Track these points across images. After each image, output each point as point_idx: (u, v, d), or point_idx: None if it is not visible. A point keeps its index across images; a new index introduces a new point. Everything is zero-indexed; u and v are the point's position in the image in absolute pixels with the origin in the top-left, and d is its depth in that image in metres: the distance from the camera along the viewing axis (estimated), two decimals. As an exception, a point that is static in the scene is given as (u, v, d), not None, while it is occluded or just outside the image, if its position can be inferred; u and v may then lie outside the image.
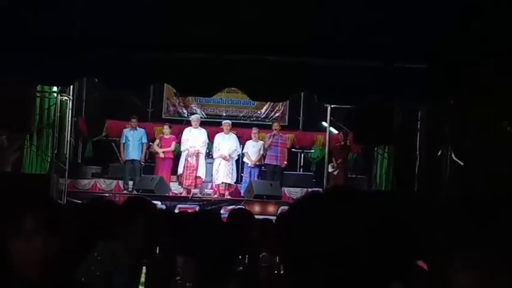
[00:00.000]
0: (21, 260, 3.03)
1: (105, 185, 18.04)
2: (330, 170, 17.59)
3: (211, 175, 18.07)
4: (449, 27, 9.67)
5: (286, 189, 17.98)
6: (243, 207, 15.09)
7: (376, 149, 17.19)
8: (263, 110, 21.15)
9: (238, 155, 18.33)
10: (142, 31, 10.32)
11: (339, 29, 10.09)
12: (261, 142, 18.21)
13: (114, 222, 4.76)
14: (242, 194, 17.96)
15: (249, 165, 18.21)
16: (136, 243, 4.56)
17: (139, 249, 4.61)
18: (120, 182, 17.93)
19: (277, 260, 5.67)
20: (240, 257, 5.57)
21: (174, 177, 18.31)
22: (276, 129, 18.26)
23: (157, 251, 5.27)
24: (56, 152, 15.91)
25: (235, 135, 18.30)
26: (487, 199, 2.01)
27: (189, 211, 11.94)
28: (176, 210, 14.56)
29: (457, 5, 9.27)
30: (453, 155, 11.79)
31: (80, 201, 13.61)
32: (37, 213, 3.07)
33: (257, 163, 18.21)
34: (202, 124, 18.53)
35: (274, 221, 7.60)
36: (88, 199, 10.15)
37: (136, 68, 11.14)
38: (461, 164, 11.40)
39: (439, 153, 12.66)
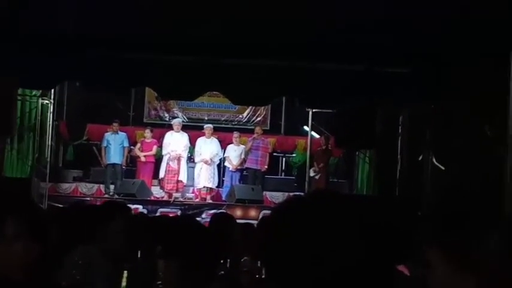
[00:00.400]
0: (2, 263, 3.01)
1: (86, 189, 17.96)
2: (312, 174, 17.60)
3: (193, 179, 18.03)
4: (431, 31, 9.71)
5: (268, 194, 17.97)
6: (225, 211, 15.09)
7: (357, 153, 17.23)
8: (245, 114, 21.12)
9: (220, 159, 18.30)
10: (123, 34, 10.30)
11: (320, 33, 10.11)
12: (243, 146, 18.21)
13: (93, 226, 4.75)
14: (224, 199, 17.95)
15: (230, 169, 18.20)
16: (115, 246, 4.56)
17: (119, 252, 4.60)
18: (102, 186, 17.85)
19: (259, 265, 5.68)
20: (222, 261, 5.57)
21: (155, 181, 18.25)
22: (257, 133, 18.25)
23: (139, 256, 5.26)
24: (37, 155, 15.85)
25: (216, 140, 18.28)
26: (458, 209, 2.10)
27: (171, 215, 11.93)
28: (157, 214, 14.57)
29: (439, 9, 9.30)
30: (434, 160, 11.84)
31: (61, 205, 13.61)
32: (18, 216, 3.04)
33: (238, 167, 18.19)
34: (184, 128, 18.49)
35: (256, 225, 7.60)
36: (69, 203, 10.14)
37: (117, 70, 11.12)
38: (443, 168, 11.44)
39: (420, 158, 12.70)
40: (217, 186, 18.26)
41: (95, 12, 9.82)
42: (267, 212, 16.49)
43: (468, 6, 8.90)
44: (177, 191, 17.85)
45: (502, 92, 9.23)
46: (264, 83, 11.49)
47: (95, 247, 4.61)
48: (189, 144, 18.08)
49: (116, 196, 17.08)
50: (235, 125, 20.72)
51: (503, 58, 9.28)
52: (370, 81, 11.23)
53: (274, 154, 19.70)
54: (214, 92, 16.74)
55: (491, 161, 9.50)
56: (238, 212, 16.41)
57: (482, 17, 9.09)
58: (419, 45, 10.20)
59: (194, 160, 18.16)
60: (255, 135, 18.18)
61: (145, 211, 16.13)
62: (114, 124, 17.95)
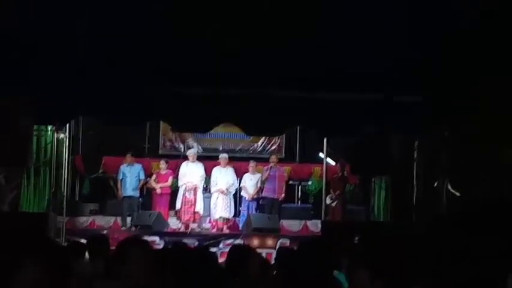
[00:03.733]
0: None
1: (103, 222, 17.96)
2: (328, 201, 17.56)
3: (210, 209, 18.03)
4: (442, 59, 9.72)
5: (284, 222, 17.94)
6: (243, 243, 15.07)
7: (373, 179, 17.18)
8: (259, 143, 21.12)
9: (236, 189, 18.29)
10: (136, 67, 10.36)
11: (334, 64, 10.14)
12: (259, 175, 18.21)
13: (111, 262, 4.76)
14: (240, 228, 17.91)
15: (246, 198, 18.18)
16: (133, 281, 4.55)
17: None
18: (119, 219, 17.86)
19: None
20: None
21: (172, 213, 18.25)
22: (273, 162, 18.25)
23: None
24: (53, 190, 15.88)
25: (232, 169, 18.29)
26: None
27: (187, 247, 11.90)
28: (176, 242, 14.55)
29: (449, 39, 9.34)
30: (449, 186, 11.80)
31: (80, 240, 13.64)
32: (37, 259, 3.05)
33: (255, 196, 18.18)
34: (199, 158, 18.51)
35: (274, 255, 7.59)
36: (87, 236, 10.16)
37: (131, 105, 11.17)
38: (458, 194, 11.41)
39: (435, 185, 12.66)
40: (233, 216, 18.23)
41: (106, 46, 9.89)
42: (284, 240, 16.48)
43: (476, 31, 8.92)
44: (194, 221, 17.86)
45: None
46: (277, 114, 11.51)
47: (113, 283, 4.61)
48: (204, 175, 18.10)
49: (133, 228, 17.10)
50: (250, 154, 20.69)
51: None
52: (384, 110, 11.24)
53: (290, 182, 19.65)
54: (228, 122, 16.78)
55: (508, 185, 9.47)
56: (255, 241, 16.40)
57: (493, 40, 9.10)
58: (431, 72, 10.21)
59: (210, 190, 18.15)
60: (271, 164, 18.17)
61: (162, 243, 16.16)
62: (128, 156, 17.99)
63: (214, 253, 7.70)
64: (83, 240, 10.04)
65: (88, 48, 10.15)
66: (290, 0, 9.70)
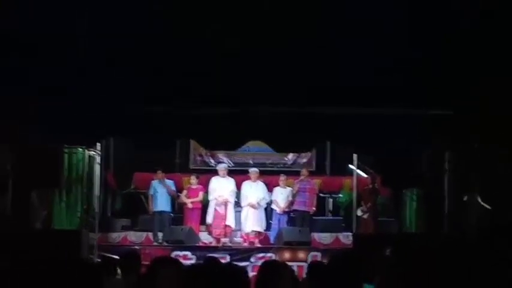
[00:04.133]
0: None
1: (135, 237, 18.02)
2: (359, 213, 17.53)
3: (240, 223, 18.05)
4: (472, 74, 9.69)
5: (315, 235, 17.92)
6: (273, 257, 15.08)
7: (404, 191, 17.11)
8: (289, 157, 21.12)
9: (267, 203, 18.30)
10: (161, 88, 10.42)
11: (361, 78, 10.13)
12: (289, 188, 18.22)
13: (142, 279, 4.78)
14: (272, 242, 17.91)
15: (277, 212, 18.18)
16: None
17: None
18: (150, 234, 17.93)
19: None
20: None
21: (203, 227, 18.29)
22: (304, 175, 18.25)
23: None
24: (85, 206, 16.00)
25: (262, 183, 18.31)
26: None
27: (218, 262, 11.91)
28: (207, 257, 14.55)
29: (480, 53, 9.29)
30: (479, 199, 11.74)
31: (113, 256, 13.73)
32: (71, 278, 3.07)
33: (286, 210, 18.18)
34: (230, 173, 18.55)
35: (305, 269, 7.58)
36: (119, 252, 10.23)
37: (161, 126, 11.24)
38: (489, 208, 11.35)
39: (464, 199, 12.61)
40: (265, 230, 18.23)
41: (130, 68, 9.97)
42: (316, 253, 16.45)
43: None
44: (225, 236, 17.89)
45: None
46: (305, 130, 11.50)
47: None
48: (235, 189, 18.13)
49: (165, 243, 17.17)
50: (280, 167, 20.69)
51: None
52: (413, 125, 11.21)
53: (321, 195, 19.63)
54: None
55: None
56: (286, 255, 16.40)
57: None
58: (459, 86, 10.17)
59: (241, 204, 18.18)
60: (302, 177, 18.18)
61: (194, 257, 16.20)
62: (158, 172, 18.07)
63: (245, 268, 7.69)
64: (116, 256, 10.12)
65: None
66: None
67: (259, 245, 17.66)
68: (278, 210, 18.17)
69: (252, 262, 15.98)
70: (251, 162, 20.68)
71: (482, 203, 11.54)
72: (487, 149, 11.06)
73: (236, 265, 6.72)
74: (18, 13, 9.56)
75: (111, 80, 10.24)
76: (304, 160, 21.14)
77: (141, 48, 9.95)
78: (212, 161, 21.03)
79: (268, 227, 18.44)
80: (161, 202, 17.90)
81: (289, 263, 12.89)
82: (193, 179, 18.49)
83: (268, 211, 18.57)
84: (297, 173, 19.00)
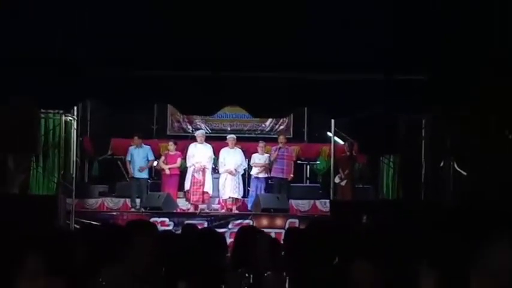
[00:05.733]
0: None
1: (112, 203, 18.00)
2: (337, 181, 17.57)
3: (218, 190, 18.06)
4: (446, 37, 9.70)
5: (293, 202, 17.97)
6: (252, 224, 15.11)
7: (381, 158, 17.16)
8: (267, 123, 21.14)
9: (244, 169, 18.32)
10: (140, 52, 10.37)
11: (337, 45, 10.12)
12: (267, 155, 18.21)
13: (117, 247, 4.77)
14: (249, 208, 17.94)
15: (254, 176, 18.16)
16: (138, 267, 4.57)
17: (143, 273, 4.62)
18: (128, 200, 17.91)
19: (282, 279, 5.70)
20: (246, 275, 5.59)
21: (181, 194, 18.30)
22: (282, 142, 18.25)
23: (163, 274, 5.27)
24: (62, 172, 15.92)
25: (240, 150, 18.31)
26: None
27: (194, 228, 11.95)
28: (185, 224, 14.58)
29: (452, 17, 9.30)
30: (455, 165, 11.80)
31: (88, 222, 13.69)
32: (40, 253, 3.06)
33: (261, 175, 18.15)
34: (208, 139, 18.52)
35: (282, 235, 7.60)
36: (94, 223, 10.20)
37: (136, 89, 11.20)
38: (464, 173, 11.40)
39: (441, 164, 12.66)
40: (242, 196, 18.26)
41: (112, 32, 9.90)
42: (293, 220, 16.51)
43: (484, 15, 8.90)
44: (203, 202, 17.89)
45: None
46: (283, 95, 11.51)
47: (118, 268, 4.63)
48: (213, 156, 18.11)
49: (142, 210, 17.15)
50: (258, 134, 20.73)
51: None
52: (390, 90, 11.24)
53: (298, 162, 19.66)
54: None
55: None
56: (264, 222, 16.44)
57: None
58: (436, 53, 10.19)
59: (218, 171, 18.18)
60: (279, 145, 18.17)
61: (172, 224, 16.22)
62: (135, 138, 18.01)
63: (223, 234, 7.73)
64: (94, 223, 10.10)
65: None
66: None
67: (237, 212, 17.68)
68: (257, 170, 18.14)
69: (229, 229, 16.00)
70: (228, 128, 20.70)
71: (458, 169, 11.61)
72: (463, 114, 11.10)
73: (214, 230, 6.75)
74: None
75: (88, 44, 10.17)
76: (282, 127, 21.17)
77: (119, 11, 9.88)
78: (190, 127, 21.02)
79: (246, 193, 18.47)
80: (138, 168, 17.84)
81: (267, 230, 12.99)
82: (171, 145, 18.46)
83: (246, 178, 18.59)
84: (274, 140, 19.02)
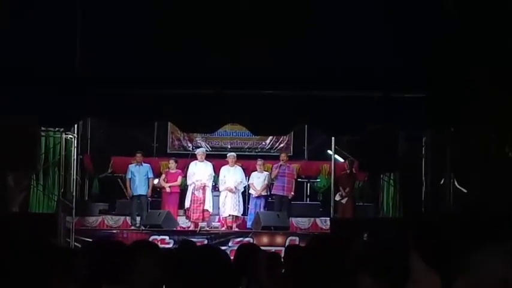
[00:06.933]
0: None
1: (112, 221, 17.99)
2: (337, 198, 17.56)
3: (218, 208, 18.05)
4: (446, 54, 9.73)
5: (293, 220, 17.95)
6: (251, 241, 15.09)
7: (382, 176, 17.17)
8: (267, 141, 21.14)
9: (244, 187, 18.32)
10: (141, 69, 10.40)
11: (337, 62, 10.15)
12: (266, 173, 18.23)
13: (120, 266, 4.75)
14: (249, 226, 17.92)
15: (253, 195, 18.18)
16: (142, 286, 4.55)
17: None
18: (128, 218, 17.89)
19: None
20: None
21: (181, 212, 18.30)
22: (283, 160, 18.25)
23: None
24: (62, 190, 15.92)
25: (240, 168, 18.31)
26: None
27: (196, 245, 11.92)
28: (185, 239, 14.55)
29: (452, 34, 9.34)
30: (456, 183, 11.80)
31: (88, 240, 13.66)
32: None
33: (262, 193, 18.18)
34: (208, 157, 18.53)
35: (283, 253, 7.58)
36: (96, 239, 10.17)
37: (138, 106, 11.22)
38: (465, 191, 11.40)
39: (442, 181, 12.66)
40: (242, 214, 18.24)
41: (113, 50, 9.93)
42: (294, 237, 16.49)
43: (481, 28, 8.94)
44: (203, 220, 17.87)
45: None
46: (283, 113, 11.53)
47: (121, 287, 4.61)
48: (213, 173, 18.12)
49: (143, 227, 17.13)
50: (258, 152, 20.72)
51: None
52: (389, 107, 11.27)
53: (299, 180, 19.65)
54: (236, 120, 16.76)
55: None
56: (264, 239, 16.42)
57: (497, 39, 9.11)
58: (436, 69, 10.22)
59: (219, 189, 18.17)
60: (281, 162, 18.17)
61: (172, 242, 16.20)
62: (138, 155, 18.01)
63: (224, 251, 7.68)
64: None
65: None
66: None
67: (237, 229, 17.66)
68: (254, 194, 18.16)
69: (229, 246, 15.98)
70: (229, 146, 20.70)
71: (458, 187, 11.60)
72: (463, 132, 11.12)
73: (213, 246, 6.74)
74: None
75: (89, 62, 10.21)
76: (282, 145, 21.17)
77: (121, 29, 9.92)
78: (190, 145, 21.01)
79: (246, 211, 18.45)
80: (139, 186, 17.84)
81: (267, 247, 12.97)
82: (172, 163, 18.47)
83: (246, 196, 18.59)
84: (274, 158, 19.05)
